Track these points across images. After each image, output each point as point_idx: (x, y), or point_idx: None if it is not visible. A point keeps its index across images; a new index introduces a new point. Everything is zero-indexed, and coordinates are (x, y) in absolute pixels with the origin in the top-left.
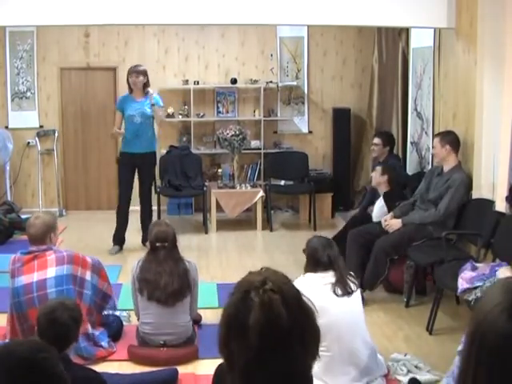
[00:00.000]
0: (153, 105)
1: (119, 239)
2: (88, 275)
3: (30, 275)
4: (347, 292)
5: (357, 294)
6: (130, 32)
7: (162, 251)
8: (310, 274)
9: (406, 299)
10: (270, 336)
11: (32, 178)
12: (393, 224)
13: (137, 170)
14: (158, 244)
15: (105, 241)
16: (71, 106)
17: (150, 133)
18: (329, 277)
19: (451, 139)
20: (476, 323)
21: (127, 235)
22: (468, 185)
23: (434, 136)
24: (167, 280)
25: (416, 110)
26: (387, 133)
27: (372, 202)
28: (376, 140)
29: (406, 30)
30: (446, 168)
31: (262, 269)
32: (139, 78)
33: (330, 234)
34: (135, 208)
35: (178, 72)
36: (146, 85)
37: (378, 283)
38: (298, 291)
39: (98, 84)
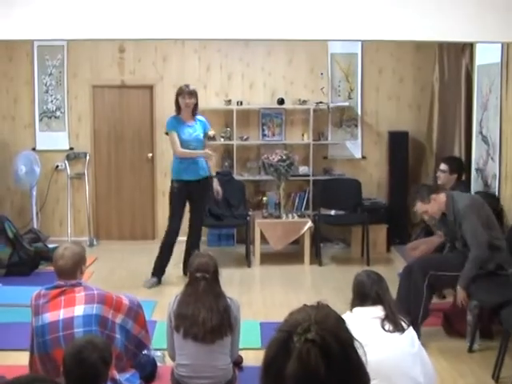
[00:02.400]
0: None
1: (161, 271)
2: (120, 319)
3: (56, 312)
4: (397, 329)
5: (408, 333)
6: (169, 47)
7: (202, 282)
8: (357, 309)
9: (469, 343)
10: None
11: (60, 204)
12: (461, 296)
13: (190, 199)
14: (198, 274)
15: (139, 274)
16: (104, 127)
17: (202, 158)
18: (377, 311)
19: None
20: None
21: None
22: (473, 203)
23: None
24: (206, 315)
25: (481, 133)
26: (455, 158)
27: None
28: (442, 166)
29: (470, 45)
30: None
31: (318, 303)
32: (192, 99)
33: (384, 269)
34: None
35: (221, 91)
36: (195, 106)
37: (420, 313)
38: (349, 338)
39: (134, 103)
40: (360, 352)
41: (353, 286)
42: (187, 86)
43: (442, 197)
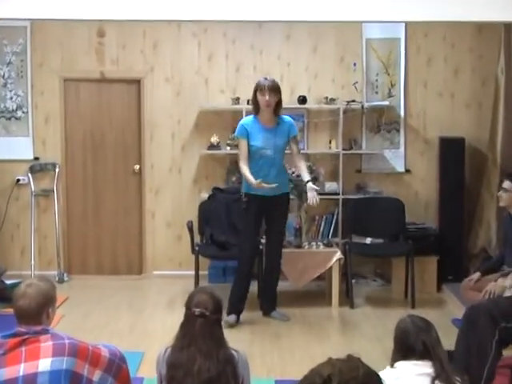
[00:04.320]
0: (309, 181)
1: (237, 307)
2: (97, 376)
3: (15, 367)
4: None
5: None
6: (161, 31)
7: (200, 321)
8: (401, 363)
9: None
10: None
11: (22, 228)
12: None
13: (265, 218)
14: (195, 310)
15: (121, 318)
16: (78, 131)
17: (283, 169)
18: (425, 367)
19: None
20: None
21: (151, 310)
22: None
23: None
24: (202, 363)
25: None
26: None
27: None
28: (506, 184)
29: None
30: None
31: (348, 356)
32: (273, 97)
33: (434, 314)
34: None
35: (226, 87)
36: (278, 105)
37: (484, 375)
38: None
39: (117, 101)
40: None
41: (394, 336)
42: (266, 78)
43: None
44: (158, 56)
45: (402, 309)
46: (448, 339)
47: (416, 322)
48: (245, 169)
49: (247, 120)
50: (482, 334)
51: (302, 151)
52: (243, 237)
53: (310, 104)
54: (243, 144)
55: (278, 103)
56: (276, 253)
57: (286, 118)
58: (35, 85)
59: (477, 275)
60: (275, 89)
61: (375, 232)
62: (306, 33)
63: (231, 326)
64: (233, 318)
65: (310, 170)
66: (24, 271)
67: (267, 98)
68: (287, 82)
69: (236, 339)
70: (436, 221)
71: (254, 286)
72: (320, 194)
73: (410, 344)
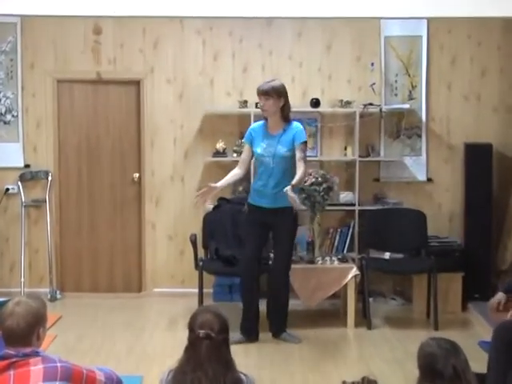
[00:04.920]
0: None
1: (246, 328)
2: None
3: None
4: None
5: None
6: (162, 28)
7: (206, 343)
8: None
9: None
10: None
11: (11, 242)
12: None
13: (271, 231)
14: (200, 332)
15: (118, 339)
16: (73, 137)
17: (287, 180)
18: None
19: None
20: None
21: (150, 330)
22: None
23: None
24: None
25: None
26: None
27: None
28: None
29: None
30: None
31: (363, 379)
32: (269, 100)
33: (459, 335)
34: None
35: (233, 89)
36: (283, 110)
37: None
38: None
39: (114, 104)
40: None
41: (419, 360)
42: (267, 82)
43: None
44: (158, 55)
45: (423, 330)
46: (475, 363)
47: (442, 344)
48: (230, 173)
49: (256, 125)
50: None
51: (314, 158)
52: (244, 250)
53: (324, 107)
54: (245, 149)
55: (283, 108)
56: (279, 271)
57: (295, 124)
58: (26, 86)
59: (502, 296)
60: (268, 92)
61: (394, 246)
62: (320, 30)
63: (235, 343)
64: (237, 336)
65: (324, 179)
66: (13, 288)
67: (261, 102)
68: (299, 83)
69: (244, 363)
70: (461, 234)
71: (260, 305)
72: (334, 204)
73: (439, 369)
